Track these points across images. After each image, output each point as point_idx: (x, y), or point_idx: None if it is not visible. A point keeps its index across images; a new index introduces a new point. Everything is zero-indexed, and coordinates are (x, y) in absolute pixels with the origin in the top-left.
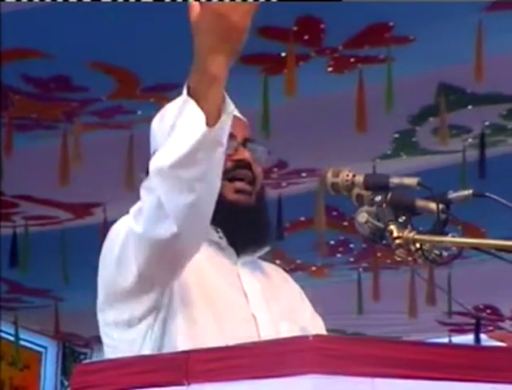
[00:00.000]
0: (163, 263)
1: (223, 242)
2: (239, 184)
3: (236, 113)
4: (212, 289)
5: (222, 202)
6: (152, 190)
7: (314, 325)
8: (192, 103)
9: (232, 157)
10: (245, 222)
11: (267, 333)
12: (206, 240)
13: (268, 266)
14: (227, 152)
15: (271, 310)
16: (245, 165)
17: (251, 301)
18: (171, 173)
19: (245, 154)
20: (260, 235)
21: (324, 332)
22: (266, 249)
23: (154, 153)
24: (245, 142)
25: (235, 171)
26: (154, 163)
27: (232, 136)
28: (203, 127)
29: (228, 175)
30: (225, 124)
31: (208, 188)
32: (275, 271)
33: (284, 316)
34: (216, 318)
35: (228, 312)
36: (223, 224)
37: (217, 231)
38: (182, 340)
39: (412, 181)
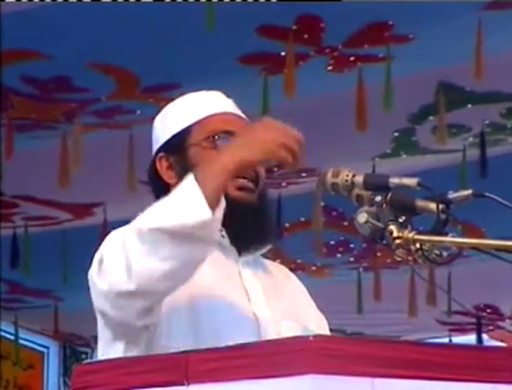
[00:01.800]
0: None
1: (225, 241)
2: (241, 181)
3: (239, 112)
4: (213, 289)
5: (225, 199)
6: (123, 247)
7: (318, 323)
8: (197, 188)
9: None
10: (248, 219)
11: (268, 333)
12: None
13: (270, 264)
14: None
15: (273, 309)
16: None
17: (253, 300)
18: (150, 236)
19: None
20: (262, 233)
21: (327, 331)
22: (268, 247)
23: (155, 151)
24: None
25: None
26: (136, 222)
27: (233, 134)
28: (208, 213)
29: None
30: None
31: (181, 268)
32: (277, 269)
33: (286, 315)
34: (217, 319)
35: (230, 312)
36: (225, 222)
37: (219, 230)
38: (182, 340)
39: (412, 181)
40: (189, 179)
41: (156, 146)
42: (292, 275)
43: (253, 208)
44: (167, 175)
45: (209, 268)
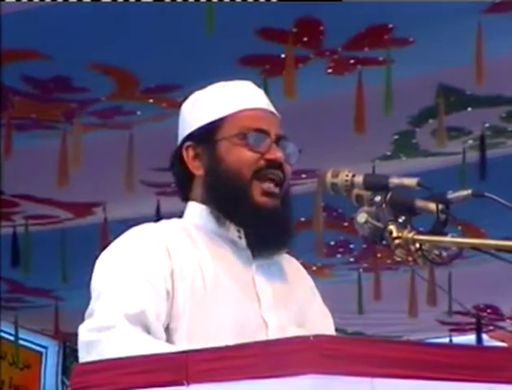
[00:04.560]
0: None
1: (242, 242)
2: (267, 186)
3: (271, 107)
4: (225, 293)
5: (248, 202)
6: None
7: (322, 322)
8: None
9: (264, 155)
10: (269, 226)
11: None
12: (223, 237)
13: (282, 258)
14: (259, 149)
15: (282, 315)
16: (277, 165)
17: (263, 306)
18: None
19: (277, 154)
20: (283, 239)
21: (332, 329)
22: (284, 252)
23: (182, 139)
24: (278, 140)
25: (267, 170)
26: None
27: (265, 132)
28: None
29: (259, 174)
30: None
31: None
32: (288, 263)
33: (294, 321)
34: (227, 323)
35: (240, 317)
36: (245, 224)
37: (238, 231)
38: (195, 342)
39: (412, 181)
40: None
41: (183, 133)
42: (301, 267)
43: (276, 214)
44: (193, 166)
45: (222, 271)
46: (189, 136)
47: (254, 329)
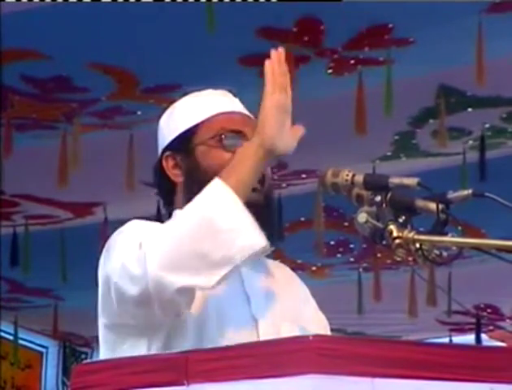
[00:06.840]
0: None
1: None
2: None
3: (246, 112)
4: (213, 293)
5: None
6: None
7: (318, 325)
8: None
9: None
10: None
11: (268, 336)
12: None
13: (272, 264)
14: (236, 150)
15: (273, 313)
16: None
17: (253, 303)
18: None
19: None
20: (267, 235)
21: (328, 331)
22: (271, 249)
23: (161, 150)
24: None
25: None
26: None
27: (242, 134)
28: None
29: None
30: None
31: None
32: (279, 269)
33: (286, 317)
34: (217, 323)
35: (229, 316)
36: None
37: None
38: (186, 343)
39: (412, 181)
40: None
41: (162, 145)
42: (294, 274)
43: (260, 209)
44: (174, 174)
45: None
46: (168, 147)
47: (243, 328)
